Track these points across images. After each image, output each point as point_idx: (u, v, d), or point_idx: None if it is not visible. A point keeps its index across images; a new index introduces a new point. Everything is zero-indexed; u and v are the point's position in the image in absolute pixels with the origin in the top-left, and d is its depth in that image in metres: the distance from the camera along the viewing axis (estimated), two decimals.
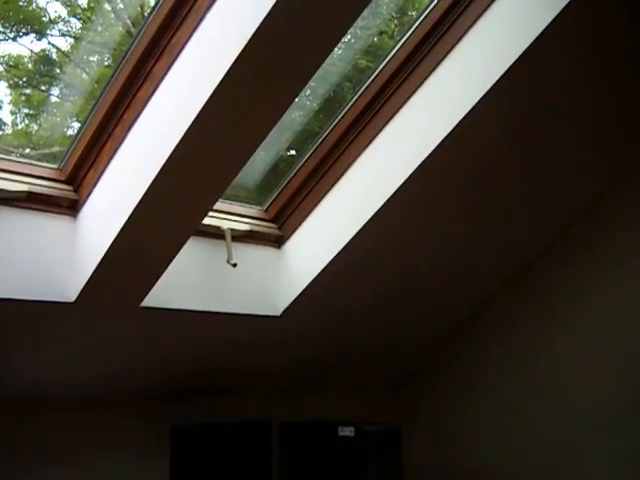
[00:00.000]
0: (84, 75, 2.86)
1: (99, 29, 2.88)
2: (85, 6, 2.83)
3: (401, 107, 3.15)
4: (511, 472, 4.20)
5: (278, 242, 3.46)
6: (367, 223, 3.22)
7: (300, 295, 3.38)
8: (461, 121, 2.99)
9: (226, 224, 3.20)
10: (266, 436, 3.62)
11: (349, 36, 3.31)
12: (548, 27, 2.81)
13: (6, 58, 2.66)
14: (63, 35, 2.80)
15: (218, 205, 3.05)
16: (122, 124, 2.63)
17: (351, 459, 3.43)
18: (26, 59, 2.72)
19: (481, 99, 2.94)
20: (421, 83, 3.09)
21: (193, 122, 2.38)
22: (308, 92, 3.39)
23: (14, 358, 2.79)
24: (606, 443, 3.91)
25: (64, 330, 2.79)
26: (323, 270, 3.32)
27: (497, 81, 2.91)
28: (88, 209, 2.71)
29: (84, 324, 2.80)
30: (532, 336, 4.23)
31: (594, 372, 3.98)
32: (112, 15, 2.86)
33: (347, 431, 3.45)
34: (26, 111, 2.77)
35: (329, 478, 3.51)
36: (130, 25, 2.78)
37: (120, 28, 2.83)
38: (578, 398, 4.02)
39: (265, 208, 3.46)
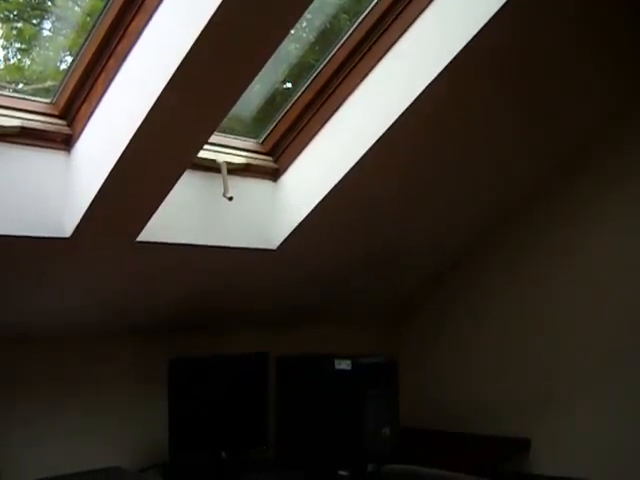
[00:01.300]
0: (76, 8, 2.81)
1: None
2: None
3: (399, 38, 3.11)
4: (510, 406, 4.25)
5: (274, 175, 3.44)
6: (364, 156, 3.20)
7: (296, 229, 3.37)
8: (460, 52, 2.95)
9: (222, 157, 3.18)
10: (263, 370, 3.64)
11: None
12: None
13: None
14: None
15: (214, 138, 3.02)
16: (115, 56, 2.59)
17: (347, 392, 3.45)
18: None
19: (481, 29, 2.90)
20: (419, 15, 3.04)
21: (187, 53, 2.34)
22: (304, 24, 3.34)
23: (11, 295, 2.79)
24: (606, 373, 3.95)
25: (60, 266, 2.78)
26: (319, 204, 3.31)
27: (496, 13, 2.88)
28: (82, 143, 2.68)
29: (80, 260, 2.80)
30: (532, 270, 4.26)
31: (595, 304, 4.03)
32: None
33: (343, 364, 3.47)
34: (18, 45, 2.73)
35: (325, 411, 3.53)
36: None
37: None
38: (579, 330, 4.05)
39: (261, 141, 3.43)
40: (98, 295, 3.06)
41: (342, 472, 3.42)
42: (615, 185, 4.00)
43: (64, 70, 2.70)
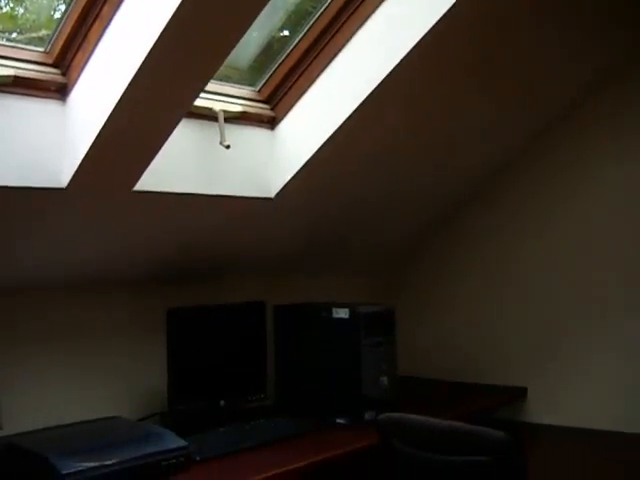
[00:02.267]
0: None
1: None
2: None
3: None
4: (507, 355, 4.28)
5: (271, 123, 3.41)
6: (363, 102, 3.16)
7: (293, 177, 3.36)
8: None
9: (218, 105, 3.15)
10: (260, 318, 3.65)
11: None
12: None
13: None
14: None
15: (210, 86, 3.00)
16: (110, 3, 2.55)
17: (345, 341, 3.46)
18: None
19: None
20: None
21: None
22: None
23: (9, 246, 2.79)
24: (604, 322, 3.97)
25: (58, 216, 2.77)
26: (317, 151, 3.29)
27: None
28: (77, 92, 2.66)
29: (77, 210, 2.79)
30: (531, 219, 4.25)
31: (593, 253, 4.02)
32: None
33: (341, 313, 3.47)
34: None
35: (323, 360, 3.56)
36: None
37: None
38: (577, 279, 4.06)
39: (258, 89, 3.40)
40: (96, 245, 3.05)
41: (340, 420, 3.45)
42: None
43: (58, 18, 2.66)
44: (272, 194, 3.40)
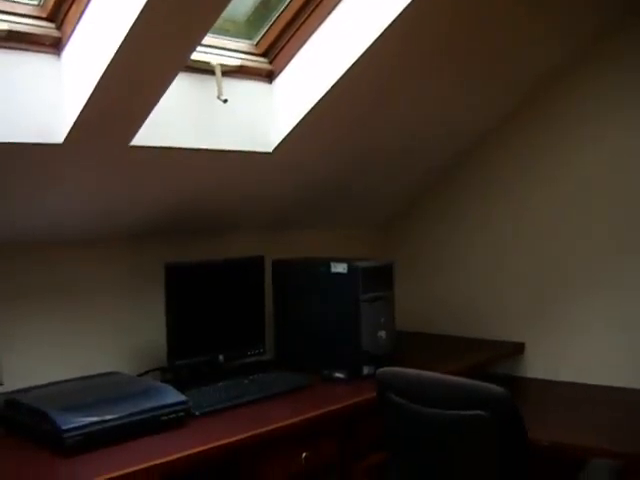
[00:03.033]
0: None
1: None
2: None
3: None
4: (505, 310, 4.31)
5: (269, 77, 3.39)
6: (362, 56, 3.13)
7: (292, 131, 3.33)
8: None
9: (216, 59, 3.13)
10: (259, 273, 3.65)
11: None
12: None
13: None
14: None
15: (207, 40, 2.98)
16: None
17: (343, 296, 3.46)
18: None
19: None
20: None
21: None
22: None
23: (9, 202, 2.78)
24: (601, 278, 3.98)
25: (55, 172, 2.75)
26: (315, 105, 3.27)
27: None
28: (72, 46, 2.62)
29: (75, 165, 2.77)
30: (529, 174, 4.25)
31: (592, 208, 4.03)
32: None
33: (340, 268, 3.47)
34: None
35: (322, 314, 3.56)
36: None
37: None
38: (575, 235, 4.08)
39: (256, 42, 3.37)
40: (95, 200, 3.04)
41: (338, 374, 3.45)
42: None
43: None
44: (270, 148, 3.38)
